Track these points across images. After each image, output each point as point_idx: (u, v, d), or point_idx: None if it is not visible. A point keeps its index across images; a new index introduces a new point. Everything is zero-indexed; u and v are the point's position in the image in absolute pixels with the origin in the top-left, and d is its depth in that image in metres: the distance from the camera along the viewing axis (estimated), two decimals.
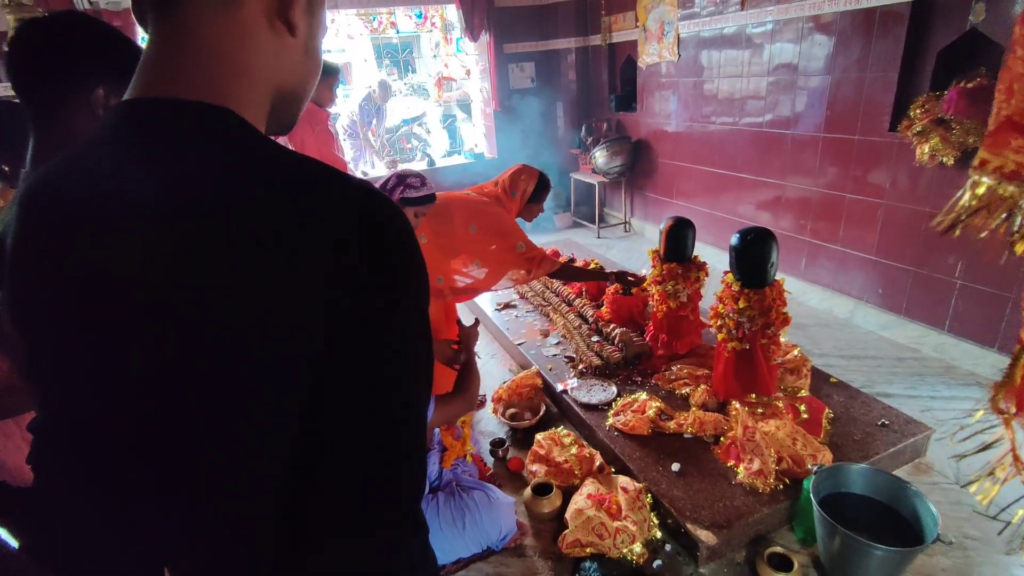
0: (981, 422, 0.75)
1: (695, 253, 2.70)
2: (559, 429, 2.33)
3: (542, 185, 2.48)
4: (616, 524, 1.82)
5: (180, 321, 0.43)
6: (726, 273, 2.30)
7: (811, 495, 1.71)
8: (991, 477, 0.73)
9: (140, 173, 0.45)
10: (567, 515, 1.92)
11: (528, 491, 2.06)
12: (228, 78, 0.49)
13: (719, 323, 2.29)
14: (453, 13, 5.52)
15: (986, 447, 0.75)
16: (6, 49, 0.90)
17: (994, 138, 0.65)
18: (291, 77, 0.54)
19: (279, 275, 0.42)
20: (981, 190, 0.66)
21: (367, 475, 0.47)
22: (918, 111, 2.67)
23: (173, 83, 0.48)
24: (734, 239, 2.22)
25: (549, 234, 5.67)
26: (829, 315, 3.44)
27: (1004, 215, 0.65)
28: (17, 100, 0.96)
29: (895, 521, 1.73)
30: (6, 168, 1.35)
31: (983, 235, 0.66)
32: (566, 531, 1.85)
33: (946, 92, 2.53)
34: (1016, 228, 0.64)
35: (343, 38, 6.55)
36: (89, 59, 0.91)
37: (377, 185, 2.16)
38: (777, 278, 2.21)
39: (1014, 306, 2.52)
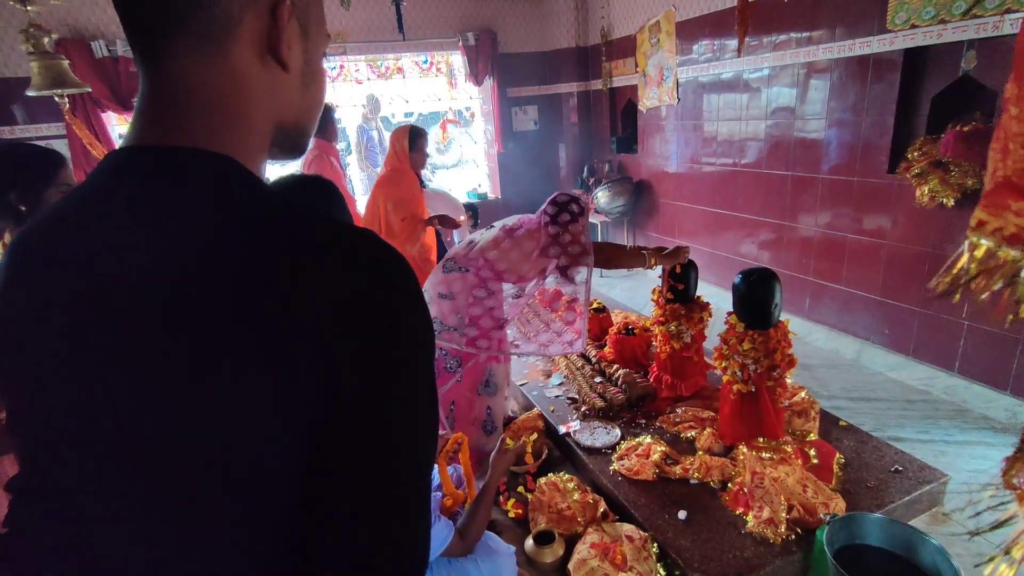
0: (994, 497, 0.70)
1: (698, 293, 2.69)
2: (561, 474, 2.26)
3: (415, 134, 3.06)
4: None
5: (168, 383, 0.41)
6: (729, 314, 2.27)
7: (825, 547, 1.64)
8: (1007, 558, 0.67)
9: (133, 226, 0.44)
10: (570, 566, 1.84)
11: (530, 540, 1.98)
12: (225, 123, 0.48)
13: (723, 364, 2.25)
14: (458, 59, 5.71)
15: (999, 525, 0.70)
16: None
17: (991, 199, 0.62)
18: (290, 110, 0.53)
19: (278, 336, 0.40)
20: (980, 252, 0.63)
21: (371, 544, 0.44)
22: (915, 153, 2.70)
23: (168, 131, 0.46)
24: (737, 280, 2.21)
25: None
26: (836, 356, 3.39)
27: (1005, 279, 0.62)
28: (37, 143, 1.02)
29: None
30: (23, 208, 1.34)
31: (983, 296, 0.63)
32: None
33: (942, 135, 2.56)
34: (1020, 294, 0.61)
35: (351, 83, 6.73)
36: None
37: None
38: (781, 319, 2.19)
39: None
